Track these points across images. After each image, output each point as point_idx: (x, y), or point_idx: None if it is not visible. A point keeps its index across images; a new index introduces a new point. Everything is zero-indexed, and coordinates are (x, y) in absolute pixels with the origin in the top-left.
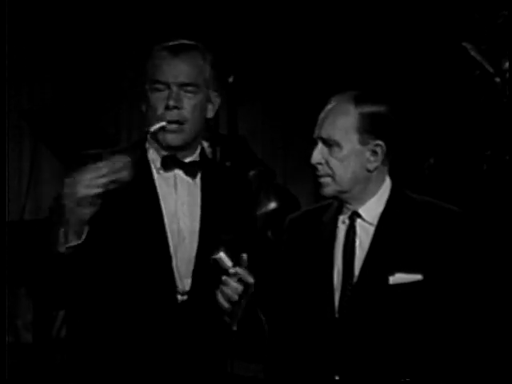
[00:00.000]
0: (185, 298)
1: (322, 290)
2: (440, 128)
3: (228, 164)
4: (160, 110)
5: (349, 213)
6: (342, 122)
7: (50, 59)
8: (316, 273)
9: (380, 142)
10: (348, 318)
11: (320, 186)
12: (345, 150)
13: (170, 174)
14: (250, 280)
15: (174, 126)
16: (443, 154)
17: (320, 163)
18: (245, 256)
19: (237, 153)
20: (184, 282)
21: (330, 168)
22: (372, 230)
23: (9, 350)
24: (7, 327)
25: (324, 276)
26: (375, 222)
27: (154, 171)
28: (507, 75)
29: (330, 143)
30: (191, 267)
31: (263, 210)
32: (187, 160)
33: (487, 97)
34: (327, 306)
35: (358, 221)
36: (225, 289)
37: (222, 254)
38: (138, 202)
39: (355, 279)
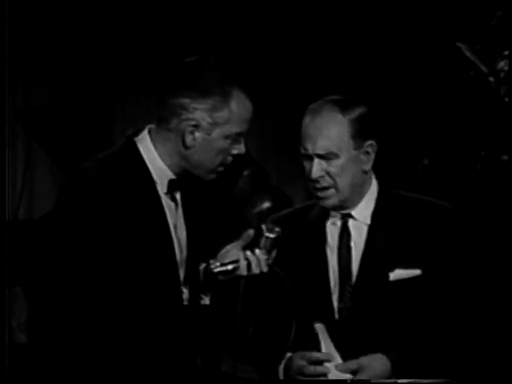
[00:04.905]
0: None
1: (319, 293)
2: (434, 128)
3: None
4: None
5: (339, 215)
6: (335, 134)
7: (46, 60)
8: (310, 276)
9: (371, 142)
10: (349, 318)
11: (321, 199)
12: (342, 159)
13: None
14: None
15: None
16: (437, 155)
17: (322, 176)
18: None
19: None
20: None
21: (332, 178)
22: (365, 229)
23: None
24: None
25: (320, 279)
26: (368, 221)
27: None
28: (501, 75)
29: (327, 157)
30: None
31: (257, 210)
32: None
33: (482, 97)
34: (326, 308)
35: (351, 221)
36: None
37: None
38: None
39: (354, 279)
